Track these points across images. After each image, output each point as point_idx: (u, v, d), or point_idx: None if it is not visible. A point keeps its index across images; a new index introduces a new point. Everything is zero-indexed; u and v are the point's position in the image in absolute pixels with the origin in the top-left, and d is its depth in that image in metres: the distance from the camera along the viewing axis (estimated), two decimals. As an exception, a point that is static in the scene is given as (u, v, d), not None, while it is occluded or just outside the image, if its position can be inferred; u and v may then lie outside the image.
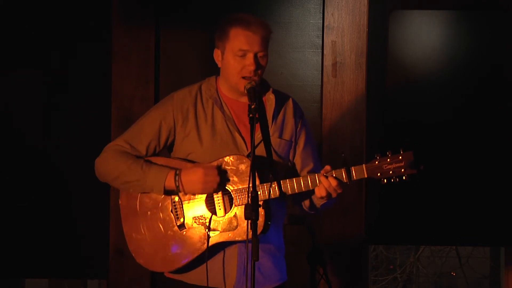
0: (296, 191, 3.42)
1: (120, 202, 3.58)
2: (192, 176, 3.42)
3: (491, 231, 5.30)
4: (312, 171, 3.59)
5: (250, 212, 3.21)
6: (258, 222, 3.28)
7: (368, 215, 5.20)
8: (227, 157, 3.44)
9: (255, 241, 3.17)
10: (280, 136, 3.54)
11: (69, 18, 5.31)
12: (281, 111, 3.57)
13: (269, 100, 3.55)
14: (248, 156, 3.44)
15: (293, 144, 3.58)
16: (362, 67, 5.19)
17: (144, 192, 3.51)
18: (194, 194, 3.46)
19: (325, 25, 5.21)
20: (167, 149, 3.59)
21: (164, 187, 3.45)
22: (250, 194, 3.23)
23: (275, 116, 3.55)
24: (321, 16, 5.24)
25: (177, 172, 3.43)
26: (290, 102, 3.62)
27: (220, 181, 3.42)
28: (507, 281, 5.64)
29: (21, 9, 5.31)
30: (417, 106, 5.30)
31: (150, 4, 5.23)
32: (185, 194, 3.46)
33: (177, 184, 3.44)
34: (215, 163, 3.44)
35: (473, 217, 5.27)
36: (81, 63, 5.30)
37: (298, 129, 3.59)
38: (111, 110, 5.22)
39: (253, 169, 3.26)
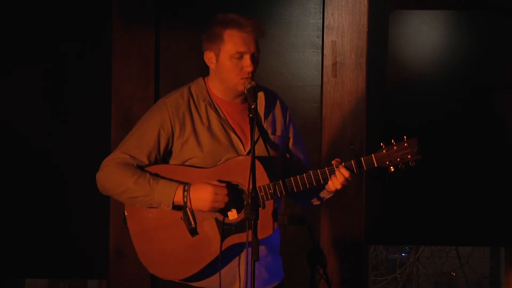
0: (308, 186, 3.41)
1: (126, 213, 3.51)
2: (202, 194, 3.38)
3: (491, 231, 5.30)
4: (304, 163, 3.61)
5: (250, 212, 3.20)
6: (269, 221, 3.32)
7: (368, 215, 5.20)
8: (235, 159, 3.43)
9: (255, 241, 3.16)
10: (274, 133, 3.56)
11: (69, 18, 5.31)
12: (270, 107, 3.58)
13: (259, 97, 3.53)
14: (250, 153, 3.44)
15: (285, 138, 3.59)
16: (362, 67, 5.19)
17: (151, 207, 3.46)
18: (202, 211, 3.42)
19: (325, 25, 5.21)
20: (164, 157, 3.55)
21: (173, 202, 3.41)
22: (250, 194, 3.22)
23: (266, 114, 3.55)
24: (321, 16, 5.24)
25: (186, 187, 3.39)
26: (277, 97, 3.63)
27: (229, 200, 3.38)
28: (507, 281, 5.64)
29: (21, 9, 5.31)
30: (417, 106, 5.30)
31: (150, 4, 5.23)
32: (192, 209, 3.42)
33: (185, 200, 3.39)
34: (223, 179, 3.41)
35: (473, 217, 5.27)
36: (81, 63, 5.31)
37: (286, 123, 3.61)
38: (111, 110, 5.22)
39: (253, 169, 3.26)
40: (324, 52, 5.21)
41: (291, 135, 3.62)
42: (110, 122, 5.21)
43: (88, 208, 5.26)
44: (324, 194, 3.55)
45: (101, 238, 5.21)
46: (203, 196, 3.38)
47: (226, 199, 3.38)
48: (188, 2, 5.32)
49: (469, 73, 5.29)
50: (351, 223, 5.16)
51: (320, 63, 5.23)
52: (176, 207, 3.42)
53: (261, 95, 3.54)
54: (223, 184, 3.39)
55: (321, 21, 5.24)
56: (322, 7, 5.24)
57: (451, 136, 5.28)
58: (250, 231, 3.22)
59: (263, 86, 3.60)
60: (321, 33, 5.24)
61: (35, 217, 5.28)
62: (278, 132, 3.57)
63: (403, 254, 11.00)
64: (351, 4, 5.19)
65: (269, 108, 3.57)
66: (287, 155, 3.60)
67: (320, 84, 5.24)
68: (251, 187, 3.24)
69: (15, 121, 5.31)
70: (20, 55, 5.32)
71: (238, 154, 3.45)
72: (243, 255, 3.46)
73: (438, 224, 5.29)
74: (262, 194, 3.38)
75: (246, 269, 3.45)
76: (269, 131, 3.54)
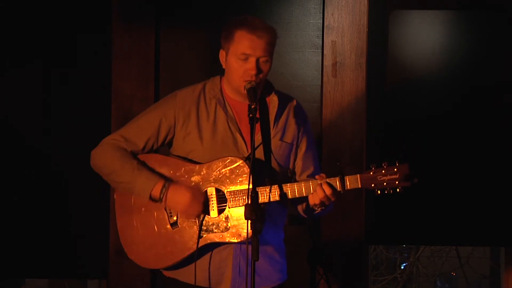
0: (290, 196, 3.41)
1: (115, 196, 3.60)
2: (179, 197, 3.42)
3: (491, 231, 5.30)
4: (312, 175, 3.58)
5: (250, 212, 3.21)
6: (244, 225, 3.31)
7: (368, 215, 5.20)
8: (224, 158, 3.43)
9: (255, 241, 3.17)
10: (282, 139, 3.53)
11: (69, 18, 5.31)
12: (284, 113, 3.56)
13: (272, 101, 3.54)
14: (247, 157, 3.43)
15: (294, 147, 3.56)
16: (362, 67, 5.19)
17: (133, 194, 3.52)
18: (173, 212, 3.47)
19: (325, 25, 5.21)
20: (167, 145, 3.59)
21: (150, 195, 3.46)
22: (250, 194, 3.23)
23: (277, 118, 3.54)
24: (321, 16, 5.24)
25: (166, 185, 3.44)
26: (294, 104, 3.60)
27: (203, 209, 3.42)
28: (507, 281, 5.64)
29: (21, 8, 5.31)
30: (417, 106, 5.30)
31: (150, 4, 5.23)
32: (166, 207, 3.47)
33: (161, 197, 3.44)
34: (210, 178, 3.43)
35: (473, 217, 5.28)
36: (81, 63, 5.31)
37: (300, 132, 3.58)
38: (111, 110, 5.22)
39: (253, 169, 3.26)
40: (324, 52, 5.21)
41: (303, 144, 3.59)
42: (110, 122, 5.21)
43: (88, 208, 5.26)
44: (313, 207, 3.51)
45: (101, 238, 5.21)
46: (179, 200, 3.42)
47: (201, 208, 3.41)
48: (188, 3, 5.32)
49: (469, 73, 5.29)
50: (351, 223, 5.16)
51: (320, 63, 5.23)
52: (153, 200, 3.47)
53: (274, 100, 3.54)
54: (201, 192, 3.41)
55: (321, 21, 5.24)
56: (322, 7, 5.24)
57: (451, 136, 5.28)
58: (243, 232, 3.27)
59: (282, 92, 3.59)
60: (321, 33, 5.24)
61: (35, 217, 5.28)
62: (288, 139, 3.55)
63: (405, 255, 11.02)
64: (351, 4, 5.19)
65: (281, 114, 3.55)
66: (288, 167, 3.57)
67: (320, 84, 5.24)
68: (251, 186, 3.25)
69: (15, 121, 5.31)
70: (20, 55, 5.32)
71: (240, 155, 3.45)
72: (232, 255, 3.47)
73: (438, 224, 5.29)
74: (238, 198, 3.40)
75: (237, 270, 3.46)
76: (277, 137, 3.52)
